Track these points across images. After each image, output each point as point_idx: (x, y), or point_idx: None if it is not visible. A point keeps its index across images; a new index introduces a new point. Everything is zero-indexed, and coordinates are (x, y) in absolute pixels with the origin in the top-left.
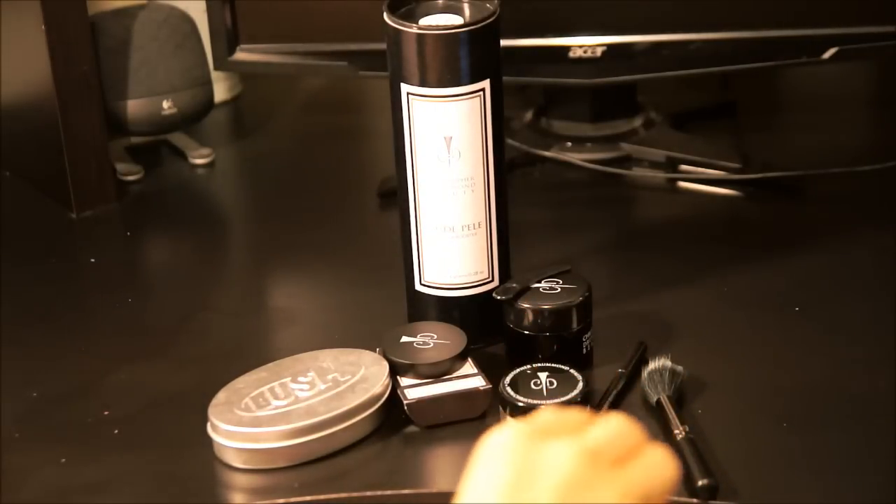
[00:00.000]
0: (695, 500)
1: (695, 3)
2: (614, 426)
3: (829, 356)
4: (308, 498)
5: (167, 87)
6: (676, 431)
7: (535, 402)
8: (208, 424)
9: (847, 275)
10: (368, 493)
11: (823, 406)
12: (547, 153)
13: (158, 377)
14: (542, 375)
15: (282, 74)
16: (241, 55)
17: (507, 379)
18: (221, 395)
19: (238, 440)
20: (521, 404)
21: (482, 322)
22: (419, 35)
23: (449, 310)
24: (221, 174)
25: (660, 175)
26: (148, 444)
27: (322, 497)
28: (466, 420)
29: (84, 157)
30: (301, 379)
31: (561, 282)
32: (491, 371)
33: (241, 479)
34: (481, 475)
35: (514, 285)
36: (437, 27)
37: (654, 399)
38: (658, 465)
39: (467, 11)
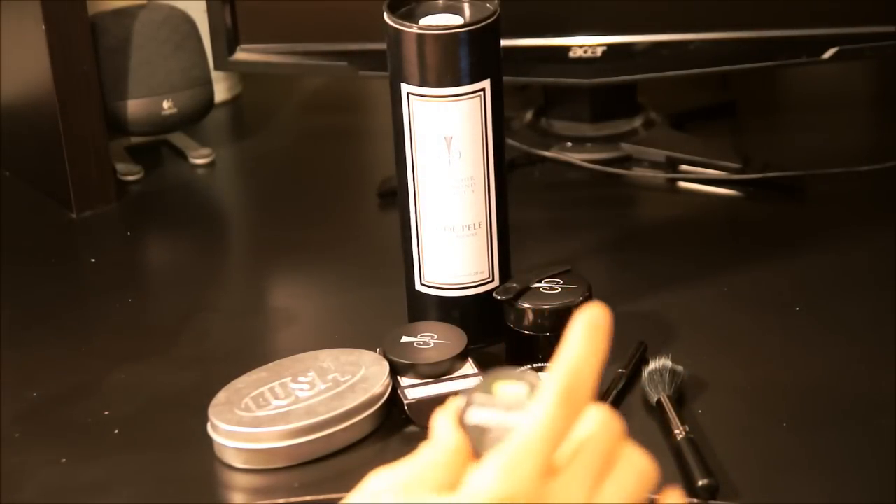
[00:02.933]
0: (695, 501)
1: (695, 3)
2: (490, 478)
3: (829, 356)
4: (308, 498)
5: (167, 87)
6: (676, 431)
7: None
8: (208, 424)
9: (847, 275)
10: None
11: (823, 406)
12: (547, 153)
13: (158, 377)
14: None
15: (282, 74)
16: (241, 55)
17: None
18: (221, 395)
19: (238, 440)
20: None
21: (482, 322)
22: (419, 35)
23: (449, 310)
24: (221, 174)
25: (660, 175)
26: (148, 444)
27: (322, 497)
28: None
29: (84, 157)
30: (301, 379)
31: (561, 282)
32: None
33: (241, 479)
34: None
35: (515, 285)
36: (437, 27)
37: (654, 399)
38: None
39: (467, 11)
